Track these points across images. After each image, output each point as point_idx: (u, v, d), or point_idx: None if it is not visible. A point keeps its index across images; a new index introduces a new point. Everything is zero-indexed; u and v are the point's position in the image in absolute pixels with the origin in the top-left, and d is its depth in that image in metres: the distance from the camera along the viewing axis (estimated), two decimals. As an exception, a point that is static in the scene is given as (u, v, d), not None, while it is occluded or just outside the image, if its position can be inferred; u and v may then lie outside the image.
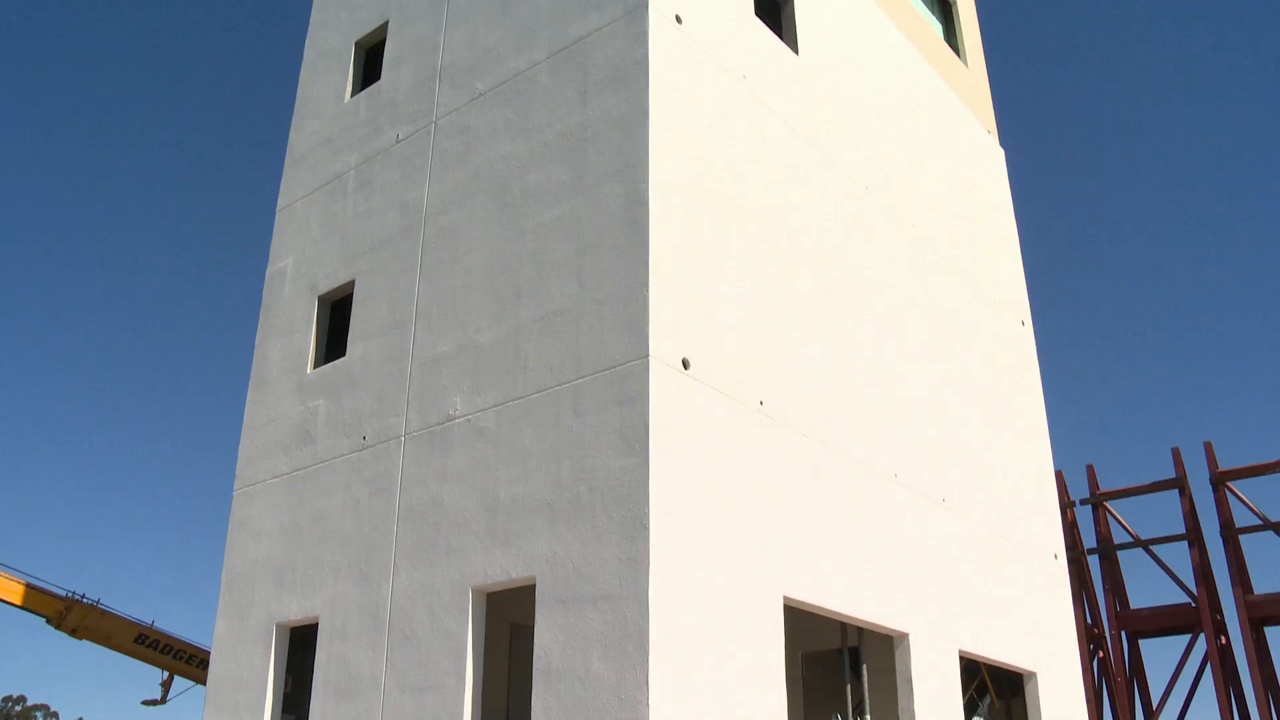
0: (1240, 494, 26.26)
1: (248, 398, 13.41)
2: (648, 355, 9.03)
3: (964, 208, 16.12)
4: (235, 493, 12.85)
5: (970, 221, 16.17)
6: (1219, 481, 26.51)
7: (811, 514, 10.40)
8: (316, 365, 12.72)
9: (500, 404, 10.13)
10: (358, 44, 14.63)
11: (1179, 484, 27.23)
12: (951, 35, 18.68)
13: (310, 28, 15.79)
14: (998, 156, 18.19)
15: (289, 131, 15.01)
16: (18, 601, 22.23)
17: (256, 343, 13.67)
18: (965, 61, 18.39)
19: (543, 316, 10.10)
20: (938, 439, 13.14)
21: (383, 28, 14.31)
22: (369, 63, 14.59)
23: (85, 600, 22.90)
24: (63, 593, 22.80)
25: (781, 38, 13.06)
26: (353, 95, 14.24)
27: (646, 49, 10.41)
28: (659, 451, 8.78)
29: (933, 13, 18.37)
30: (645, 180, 9.74)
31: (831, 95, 13.45)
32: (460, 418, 10.46)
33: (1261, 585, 26.32)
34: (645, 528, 8.48)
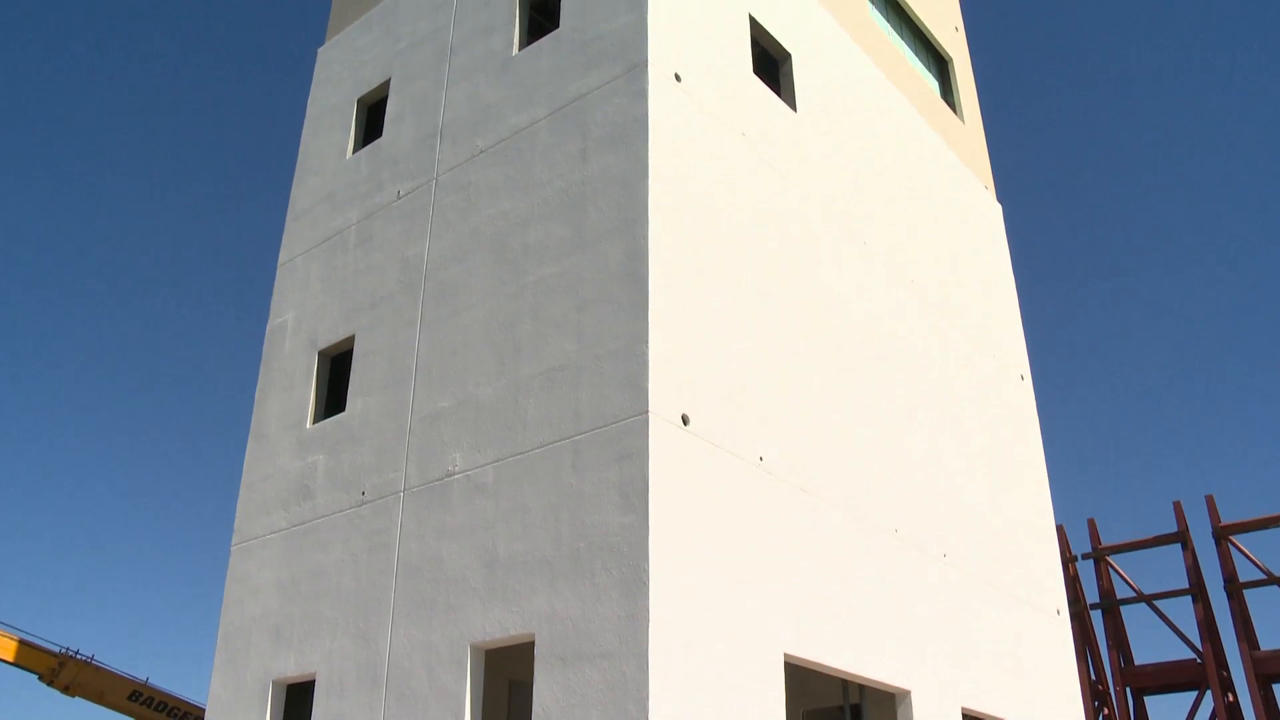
0: (1243, 548, 26.14)
1: (247, 452, 13.39)
2: (647, 411, 9.03)
3: (962, 262, 16.20)
4: (233, 548, 12.80)
5: (969, 276, 16.24)
6: (1221, 535, 26.41)
7: (812, 570, 10.35)
8: (316, 420, 12.72)
9: (499, 459, 10.11)
10: (360, 101, 14.77)
11: (1181, 538, 27.12)
12: (948, 92, 18.87)
13: (313, 84, 15.95)
14: (995, 212, 18.30)
15: (291, 187, 15.11)
16: (10, 658, 22.03)
17: (256, 397, 13.68)
18: (962, 118, 18.57)
19: (542, 372, 10.11)
20: (938, 494, 13.11)
21: (385, 85, 14.46)
22: (371, 119, 14.72)
23: (78, 656, 22.70)
24: (56, 649, 22.62)
25: (780, 95, 13.19)
26: (354, 152, 14.36)
27: (646, 107, 10.51)
28: (658, 507, 8.75)
29: (929, 70, 18.57)
30: (645, 237, 9.79)
31: (830, 152, 13.56)
32: (459, 473, 10.44)
33: (1268, 641, 26.14)
34: (645, 584, 8.43)
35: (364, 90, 14.71)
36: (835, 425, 11.56)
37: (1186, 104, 69.85)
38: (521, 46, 12.66)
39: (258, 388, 13.73)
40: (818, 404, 11.40)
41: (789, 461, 10.58)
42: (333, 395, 12.86)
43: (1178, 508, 27.31)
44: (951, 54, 19.16)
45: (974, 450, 14.40)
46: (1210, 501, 26.79)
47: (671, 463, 9.07)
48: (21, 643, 22.20)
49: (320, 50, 16.19)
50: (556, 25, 12.40)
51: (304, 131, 15.54)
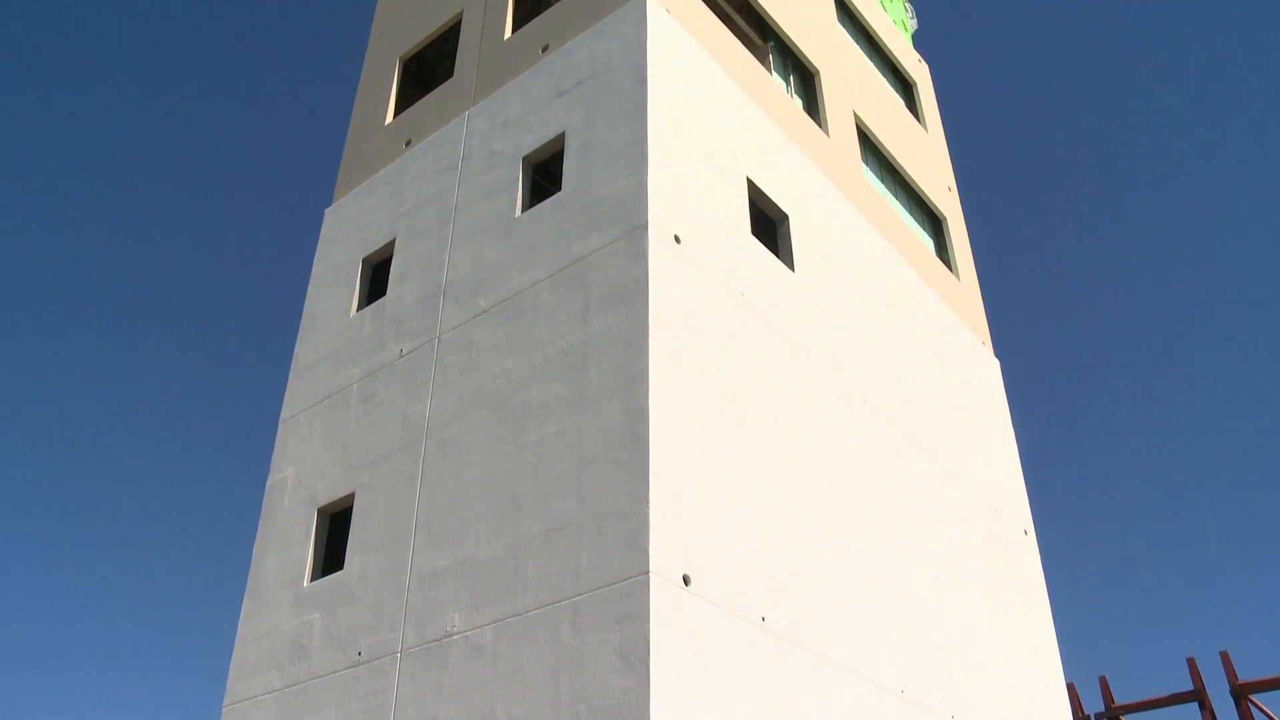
0: (1265, 708, 25.42)
1: (242, 610, 13.21)
2: (648, 572, 8.94)
3: (962, 418, 16.25)
4: (225, 709, 12.51)
5: (968, 432, 16.27)
6: (1240, 694, 25.70)
7: (817, 735, 10.10)
8: (314, 578, 12.59)
9: (498, 620, 9.97)
10: (365, 260, 15.04)
11: (1198, 696, 26.39)
12: (943, 250, 19.23)
13: (319, 244, 16.28)
14: (993, 366, 18.44)
15: (294, 344, 15.28)
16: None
17: (254, 554, 13.56)
18: (957, 275, 18.87)
19: (542, 532, 10.06)
20: (944, 653, 12.87)
21: (389, 245, 14.75)
22: (375, 279, 14.97)
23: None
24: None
25: (778, 255, 13.44)
26: (358, 310, 14.56)
27: (646, 268, 10.70)
28: (660, 670, 8.59)
29: (924, 229, 18.97)
30: (645, 397, 9.86)
31: (828, 310, 13.75)
32: (458, 634, 10.28)
33: (1298, 808, 25.19)
34: (646, 752, 8.22)
35: (369, 250, 15.00)
36: (838, 584, 11.44)
37: (1178, 245, 71.05)
38: (524, 209, 12.96)
39: (255, 544, 13.63)
40: (820, 563, 11.30)
41: (792, 622, 10.43)
42: (331, 553, 12.75)
43: (1192, 665, 26.69)
44: (945, 213, 19.59)
45: (980, 608, 14.19)
46: (1225, 658, 26.19)
47: (673, 624, 8.94)
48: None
49: (327, 211, 16.57)
50: (558, 188, 12.72)
51: (309, 289, 15.79)
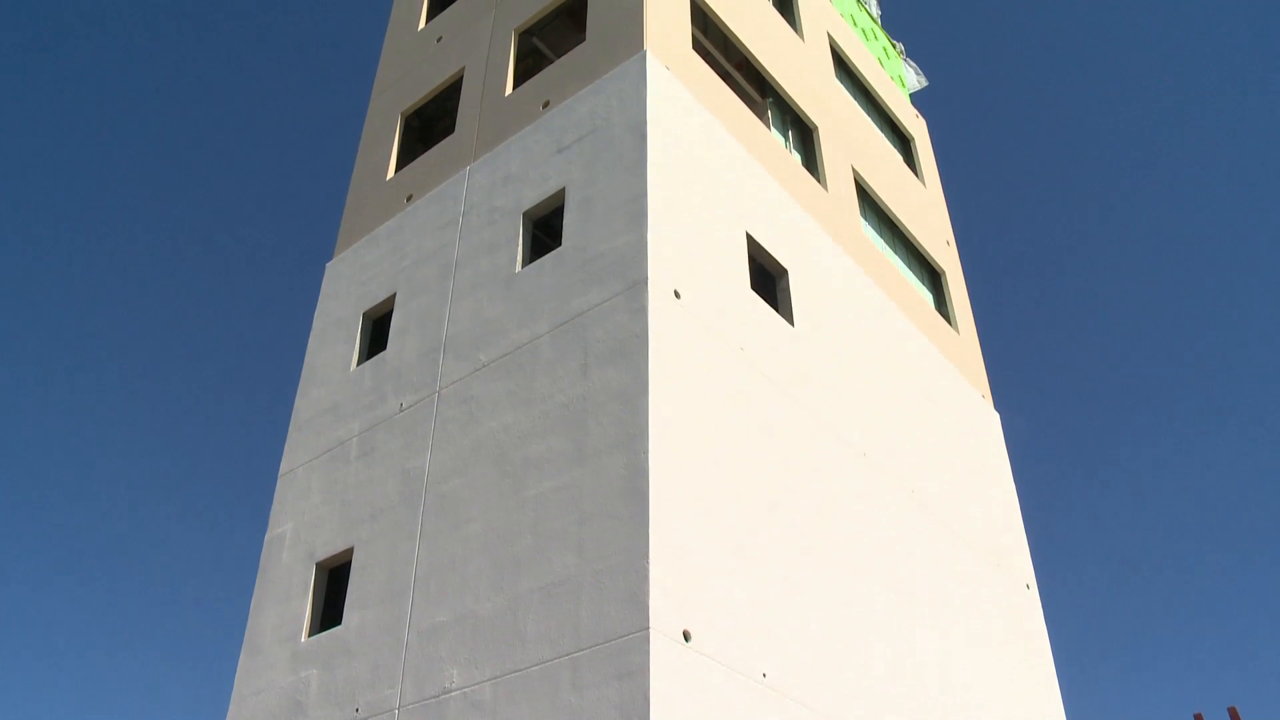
0: (1268, 764, 25.13)
1: (239, 666, 13.10)
2: (648, 628, 8.90)
3: (963, 472, 16.22)
4: (220, 769, 12.38)
5: (970, 485, 16.24)
6: (1245, 751, 25.44)
7: (819, 794, 9.99)
8: (312, 633, 12.50)
9: (497, 676, 9.90)
10: (365, 315, 15.09)
11: (1203, 753, 26.12)
12: (942, 304, 19.30)
13: (320, 298, 16.32)
14: (993, 420, 18.44)
15: (294, 398, 15.28)
16: None
17: (251, 608, 13.47)
18: (956, 329, 18.93)
19: (542, 587, 10.01)
20: (946, 709, 12.76)
21: (390, 299, 14.80)
22: (376, 333, 15.00)
23: None
24: None
25: (777, 310, 13.49)
26: (359, 364, 14.57)
27: (646, 323, 10.74)
28: (660, 729, 8.52)
29: (923, 283, 19.05)
30: (646, 451, 9.86)
31: (828, 364, 13.78)
32: (456, 691, 10.20)
33: None
34: (646, 812, 8.13)
35: (369, 304, 15.04)
36: (840, 640, 11.37)
37: (1181, 299, 71.24)
38: (524, 264, 13.03)
39: (253, 599, 13.54)
40: (821, 619, 11.24)
41: (793, 678, 10.36)
42: (329, 608, 12.67)
43: (1197, 721, 26.44)
44: (944, 267, 19.68)
45: (982, 662, 14.09)
46: (1234, 714, 25.89)
47: (673, 681, 8.88)
48: None
49: (328, 265, 16.64)
50: (559, 243, 12.79)
51: (309, 343, 15.81)
